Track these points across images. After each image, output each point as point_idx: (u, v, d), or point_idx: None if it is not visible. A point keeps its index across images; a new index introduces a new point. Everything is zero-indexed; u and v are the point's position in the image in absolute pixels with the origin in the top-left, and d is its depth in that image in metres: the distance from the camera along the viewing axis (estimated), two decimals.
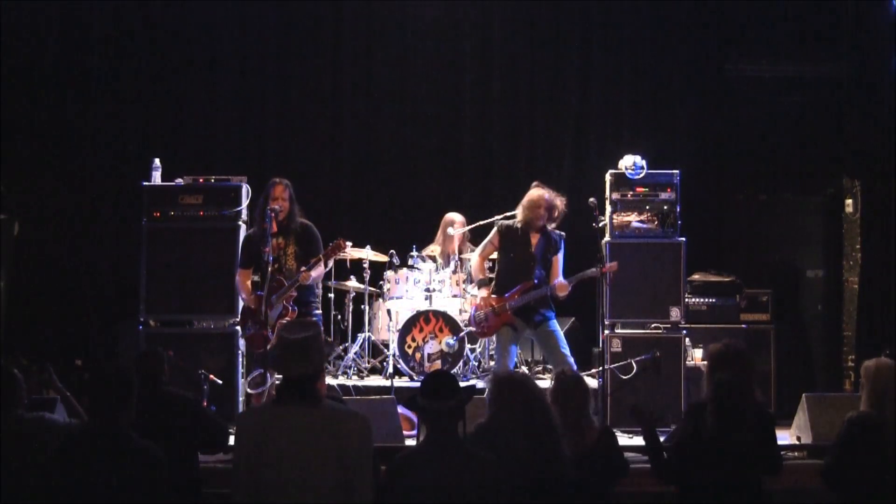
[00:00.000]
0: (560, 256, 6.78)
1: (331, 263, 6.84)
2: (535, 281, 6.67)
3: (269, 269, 6.39)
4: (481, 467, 3.66)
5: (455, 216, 8.34)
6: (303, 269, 6.45)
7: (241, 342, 7.16)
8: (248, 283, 6.72)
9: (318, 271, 6.53)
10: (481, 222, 8.20)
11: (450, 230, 8.24)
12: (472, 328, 7.07)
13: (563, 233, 6.88)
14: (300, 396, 3.45)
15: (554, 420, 4.04)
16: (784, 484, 5.52)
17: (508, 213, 7.68)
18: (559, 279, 6.66)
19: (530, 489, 3.94)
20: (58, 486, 3.60)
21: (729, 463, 4.19)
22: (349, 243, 6.74)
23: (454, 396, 3.72)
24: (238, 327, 7.16)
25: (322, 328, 6.82)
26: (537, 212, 6.68)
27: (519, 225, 6.77)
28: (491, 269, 7.18)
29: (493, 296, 6.75)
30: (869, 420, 4.39)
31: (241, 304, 7.00)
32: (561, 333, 6.74)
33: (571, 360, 6.61)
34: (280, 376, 3.71)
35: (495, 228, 6.90)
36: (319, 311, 6.90)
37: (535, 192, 6.78)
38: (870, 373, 4.53)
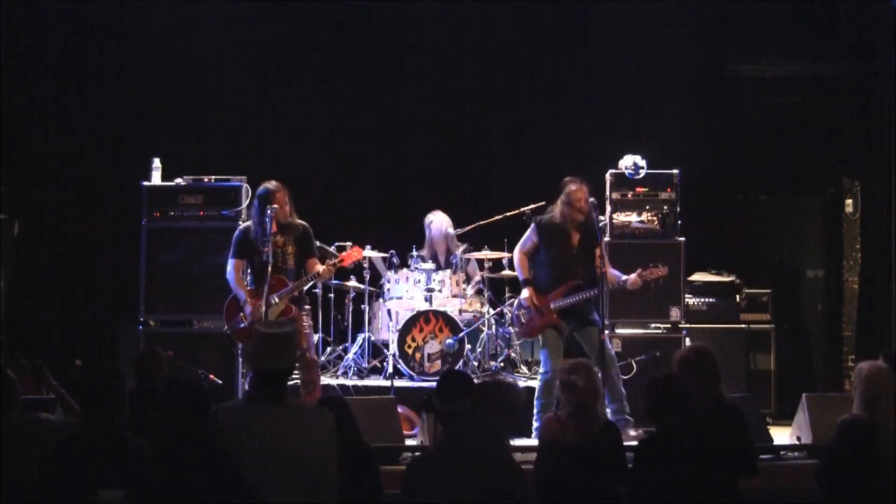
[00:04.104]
0: (602, 247, 6.61)
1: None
2: (580, 280, 6.58)
3: (269, 268, 6.37)
4: (498, 467, 3.64)
5: (440, 217, 8.31)
6: (322, 267, 6.49)
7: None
8: (240, 275, 6.68)
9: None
10: (481, 222, 8.22)
11: (450, 230, 8.25)
12: (514, 328, 7.00)
13: (602, 219, 6.73)
14: (270, 394, 3.43)
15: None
16: (784, 484, 5.53)
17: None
18: (629, 276, 6.54)
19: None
20: (55, 486, 3.59)
21: (688, 464, 4.10)
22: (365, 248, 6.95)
23: (469, 396, 3.69)
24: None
25: (310, 316, 6.86)
26: (578, 205, 6.52)
27: (557, 221, 6.63)
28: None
29: (536, 295, 6.64)
30: (861, 422, 4.40)
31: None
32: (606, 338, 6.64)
33: (612, 350, 6.61)
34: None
35: (533, 225, 6.75)
36: (309, 307, 6.89)
37: (574, 187, 6.60)
38: (862, 375, 4.54)
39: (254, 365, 3.54)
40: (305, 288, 6.67)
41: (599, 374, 6.30)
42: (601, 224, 6.90)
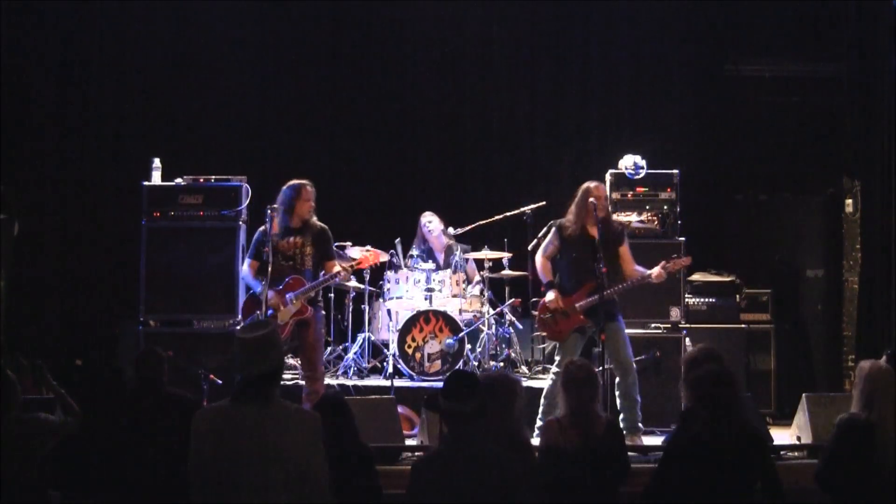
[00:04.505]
0: (627, 245, 6.63)
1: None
2: (602, 279, 6.47)
3: (269, 267, 6.41)
4: (503, 467, 3.64)
5: (437, 219, 8.32)
6: (342, 268, 6.61)
7: None
8: (256, 274, 6.68)
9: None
10: (481, 222, 8.22)
11: (450, 230, 8.25)
12: (542, 333, 6.96)
13: (624, 222, 6.76)
14: (255, 395, 3.43)
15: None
16: (784, 484, 5.52)
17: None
18: (652, 270, 6.53)
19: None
20: (55, 486, 3.60)
21: (729, 460, 4.15)
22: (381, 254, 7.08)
23: (475, 397, 3.69)
24: (238, 327, 7.18)
25: (323, 324, 6.91)
26: (594, 202, 6.49)
27: (575, 222, 6.61)
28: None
29: (561, 297, 6.58)
30: (859, 422, 4.40)
31: (241, 301, 7.08)
32: (626, 334, 6.63)
33: (632, 359, 6.59)
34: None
35: (553, 228, 6.69)
36: (324, 313, 6.97)
37: (592, 185, 6.61)
38: (863, 374, 4.54)
39: (238, 370, 3.54)
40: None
41: (616, 374, 6.47)
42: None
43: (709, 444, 4.09)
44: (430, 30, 9.17)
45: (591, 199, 6.51)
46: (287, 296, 6.46)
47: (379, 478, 4.28)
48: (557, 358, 6.71)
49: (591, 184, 6.63)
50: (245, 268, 6.72)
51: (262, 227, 6.70)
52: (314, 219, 6.66)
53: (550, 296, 6.65)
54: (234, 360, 3.53)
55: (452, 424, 3.69)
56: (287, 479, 3.35)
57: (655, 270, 6.54)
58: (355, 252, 7.51)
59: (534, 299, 7.51)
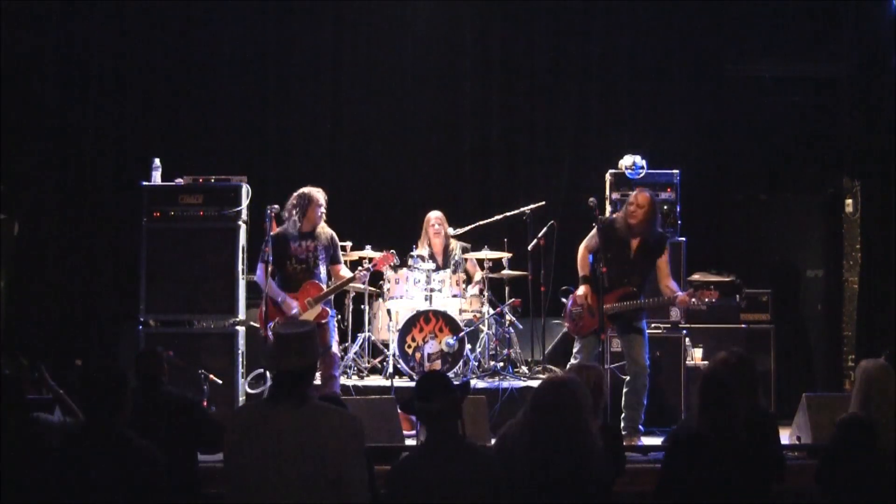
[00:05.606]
0: (666, 258, 6.61)
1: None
2: (635, 288, 6.56)
3: (270, 267, 6.52)
4: (481, 463, 3.67)
5: (435, 215, 8.33)
6: (360, 270, 7.01)
7: (241, 342, 7.20)
8: (268, 278, 6.75)
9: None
10: (481, 222, 8.22)
11: (450, 230, 8.25)
12: (566, 323, 6.98)
13: (666, 232, 6.75)
14: (290, 394, 3.44)
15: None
16: (784, 484, 5.52)
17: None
18: (680, 293, 6.54)
19: (535, 486, 3.95)
20: (56, 486, 3.60)
21: (724, 465, 4.14)
22: (394, 257, 7.30)
23: (448, 396, 3.73)
24: (239, 328, 7.20)
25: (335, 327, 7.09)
26: (630, 209, 6.52)
27: (617, 225, 6.61)
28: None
29: (592, 294, 6.58)
30: (859, 421, 4.40)
31: (241, 301, 7.20)
32: (647, 340, 6.66)
33: (648, 364, 6.61)
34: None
35: (596, 225, 6.61)
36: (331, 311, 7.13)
37: (635, 192, 6.66)
38: (863, 373, 4.55)
39: (272, 365, 3.57)
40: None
41: (629, 373, 6.55)
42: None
43: (703, 441, 4.09)
44: (430, 29, 9.16)
45: (592, 200, 6.54)
46: (306, 300, 6.76)
47: (375, 479, 4.28)
48: (574, 350, 6.77)
49: (636, 191, 6.70)
50: (259, 272, 6.85)
51: (275, 231, 6.85)
52: (324, 224, 6.93)
53: (581, 290, 6.70)
54: (270, 354, 3.56)
55: (428, 424, 3.73)
56: (325, 480, 3.35)
57: (681, 295, 6.54)
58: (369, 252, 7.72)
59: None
